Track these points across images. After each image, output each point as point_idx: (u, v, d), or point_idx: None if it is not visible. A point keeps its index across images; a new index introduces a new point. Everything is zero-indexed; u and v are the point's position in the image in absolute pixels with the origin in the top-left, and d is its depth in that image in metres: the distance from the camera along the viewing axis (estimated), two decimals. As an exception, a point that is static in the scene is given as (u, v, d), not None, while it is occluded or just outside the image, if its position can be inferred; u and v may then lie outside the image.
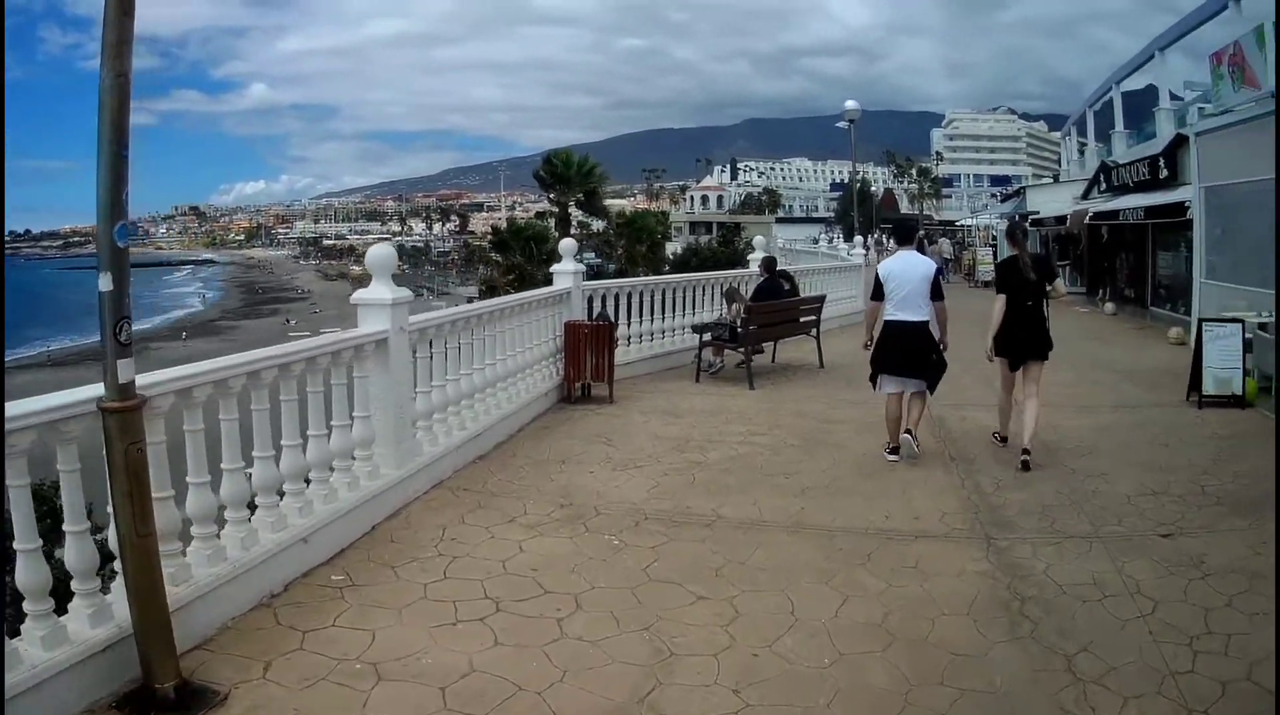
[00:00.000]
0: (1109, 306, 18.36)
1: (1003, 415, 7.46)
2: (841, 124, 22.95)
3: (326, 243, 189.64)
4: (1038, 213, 24.07)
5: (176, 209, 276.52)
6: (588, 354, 9.31)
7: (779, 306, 11.40)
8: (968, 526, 5.69)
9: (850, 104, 22.14)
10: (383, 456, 5.80)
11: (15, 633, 3.39)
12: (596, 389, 9.56)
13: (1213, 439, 7.79)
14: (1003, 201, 37.40)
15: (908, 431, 7.03)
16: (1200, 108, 14.13)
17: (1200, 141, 12.68)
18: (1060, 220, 21.75)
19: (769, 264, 12.34)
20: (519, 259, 44.11)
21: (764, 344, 11.55)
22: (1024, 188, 27.34)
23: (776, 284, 11.85)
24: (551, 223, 39.42)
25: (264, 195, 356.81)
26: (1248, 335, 9.33)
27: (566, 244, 10.27)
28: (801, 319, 11.71)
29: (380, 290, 5.88)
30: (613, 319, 10.33)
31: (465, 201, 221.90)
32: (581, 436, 8.02)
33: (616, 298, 10.90)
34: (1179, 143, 15.97)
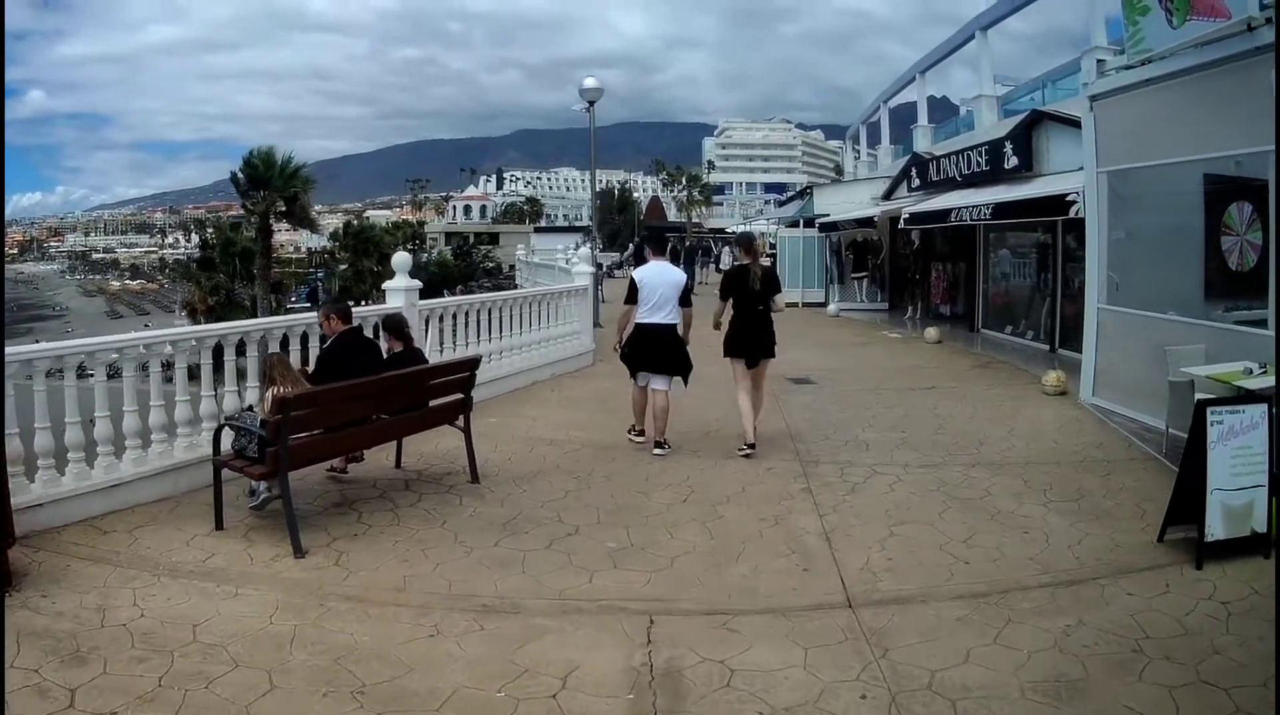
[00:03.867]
0: (931, 332, 14.14)
1: (745, 421, 7.31)
2: (578, 106, 17.97)
3: (96, 256, 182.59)
4: (828, 215, 20.24)
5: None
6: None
7: (365, 389, 5.72)
8: None
9: (590, 82, 17.15)
10: None
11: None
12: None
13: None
14: (781, 205, 34.07)
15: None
16: (1099, 60, 10.18)
17: (1100, 108, 8.52)
18: (864, 223, 17.93)
19: (341, 311, 6.32)
20: (222, 278, 36.49)
21: (361, 450, 6.30)
22: (810, 187, 23.68)
23: (369, 343, 6.52)
24: (254, 234, 31.73)
25: (39, 207, 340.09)
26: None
27: None
28: (433, 402, 6.28)
29: None
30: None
31: (235, 213, 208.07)
32: None
33: (82, 368, 5.26)
34: (1034, 121, 12.32)
